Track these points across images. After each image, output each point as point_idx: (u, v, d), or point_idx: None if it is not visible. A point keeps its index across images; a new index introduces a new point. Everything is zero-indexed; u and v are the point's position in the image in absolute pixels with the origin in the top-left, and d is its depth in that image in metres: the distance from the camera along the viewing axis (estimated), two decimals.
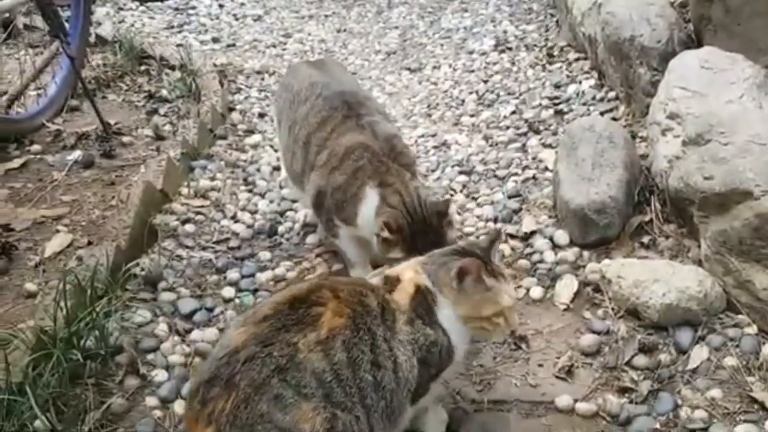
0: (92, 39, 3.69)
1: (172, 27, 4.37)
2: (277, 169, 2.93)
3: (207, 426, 1.32)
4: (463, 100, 3.49)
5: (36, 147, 2.88)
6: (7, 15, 2.98)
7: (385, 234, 1.95)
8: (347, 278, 1.61)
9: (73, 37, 3.18)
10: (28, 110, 3.09)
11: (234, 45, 4.18)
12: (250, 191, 2.80)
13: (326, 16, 4.65)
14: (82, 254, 2.20)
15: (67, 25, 3.10)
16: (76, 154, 2.81)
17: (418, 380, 1.51)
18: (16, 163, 2.76)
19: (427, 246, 1.77)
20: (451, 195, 2.74)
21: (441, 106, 3.49)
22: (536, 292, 2.17)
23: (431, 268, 1.57)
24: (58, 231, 2.36)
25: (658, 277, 2.03)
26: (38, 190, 2.60)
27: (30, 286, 2.08)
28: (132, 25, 4.25)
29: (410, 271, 1.58)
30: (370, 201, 2.06)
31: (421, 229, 1.97)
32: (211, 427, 1.32)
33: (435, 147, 3.12)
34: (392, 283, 1.56)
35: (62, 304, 1.82)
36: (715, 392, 1.79)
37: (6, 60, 3.39)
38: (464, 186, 2.77)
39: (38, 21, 3.37)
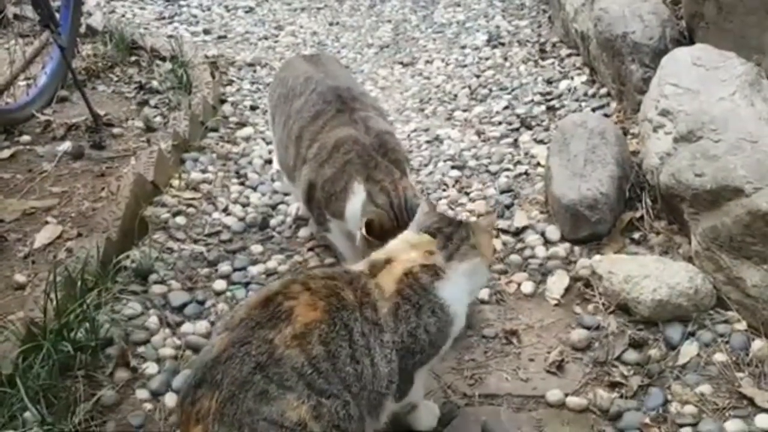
0: (83, 29, 3.66)
1: (163, 18, 4.34)
2: (269, 162, 2.92)
3: (196, 425, 1.34)
4: (456, 95, 3.49)
5: (25, 138, 2.86)
6: None
7: (366, 234, 1.94)
8: (323, 270, 1.63)
9: (63, 27, 3.15)
10: (17, 101, 3.06)
11: (225, 37, 4.16)
12: (241, 184, 2.78)
13: (318, 8, 4.62)
14: (72, 246, 2.19)
15: (57, 15, 3.06)
16: (66, 145, 2.80)
17: (404, 368, 1.52)
18: (5, 153, 2.74)
19: None
20: (444, 190, 2.75)
21: (433, 101, 3.49)
22: (527, 287, 2.18)
23: (446, 242, 1.62)
24: (47, 222, 2.35)
25: (648, 273, 2.04)
26: (27, 181, 2.58)
27: (19, 278, 2.07)
28: (123, 16, 4.22)
29: (410, 253, 1.60)
30: (357, 197, 2.06)
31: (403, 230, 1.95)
32: (199, 425, 1.33)
33: (427, 142, 3.11)
34: (378, 267, 1.57)
35: (52, 295, 1.81)
36: (705, 388, 1.81)
37: None
38: (456, 181, 2.77)
39: (28, 11, 3.33)
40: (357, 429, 1.42)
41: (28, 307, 1.86)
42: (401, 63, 3.92)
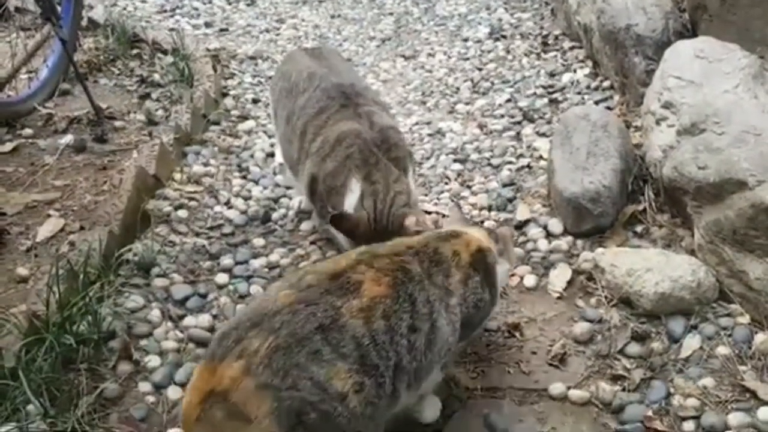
0: (84, 22, 3.65)
1: (165, 11, 4.32)
2: (271, 155, 2.92)
3: (238, 359, 1.36)
4: (458, 88, 3.48)
5: (27, 131, 2.85)
6: None
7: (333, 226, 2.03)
8: (388, 244, 1.69)
9: (65, 20, 3.14)
10: (19, 94, 3.05)
11: (227, 30, 4.14)
12: (243, 177, 2.78)
13: (320, 1, 4.61)
14: (75, 239, 2.18)
15: (59, 8, 3.05)
16: (68, 138, 2.79)
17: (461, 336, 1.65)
18: (7, 147, 2.73)
19: None
20: (446, 183, 2.75)
21: (435, 94, 3.48)
22: (530, 280, 2.17)
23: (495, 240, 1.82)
24: (49, 216, 2.34)
25: (651, 267, 2.04)
26: (30, 175, 2.58)
27: (22, 271, 2.07)
28: (124, 9, 4.21)
29: (475, 233, 1.79)
30: (354, 194, 2.08)
31: (380, 235, 1.95)
32: (241, 360, 1.36)
33: (429, 135, 3.11)
34: (450, 235, 1.74)
35: (55, 288, 1.81)
36: (708, 381, 1.81)
37: None
38: (459, 174, 2.76)
39: (30, 3, 3.32)
40: (387, 406, 1.48)
41: (31, 300, 1.86)
42: (403, 56, 3.91)
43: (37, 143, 2.77)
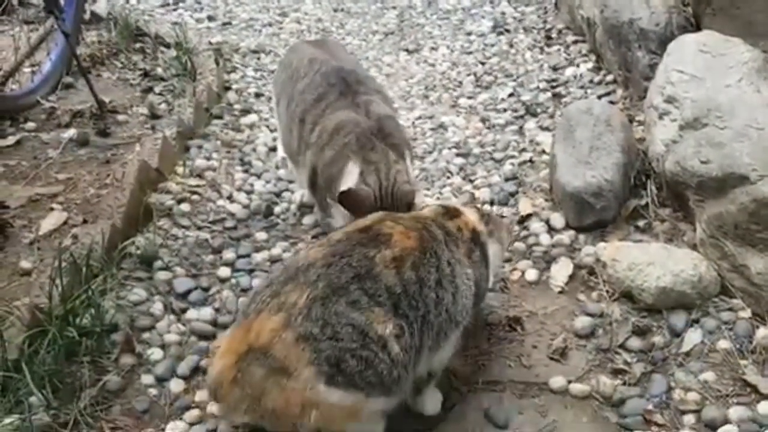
0: (87, 16, 3.65)
1: (167, 4, 4.32)
2: (273, 149, 2.92)
3: (276, 313, 1.40)
4: (461, 82, 3.47)
5: (30, 124, 2.85)
6: None
7: (340, 204, 1.99)
8: (406, 213, 1.79)
9: (67, 13, 3.14)
10: (22, 87, 3.06)
11: (230, 23, 4.14)
12: (246, 171, 2.78)
13: None
14: (78, 232, 2.19)
15: (62, 1, 3.05)
16: (71, 132, 2.79)
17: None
18: (10, 140, 2.73)
19: None
20: (448, 177, 2.75)
21: (438, 88, 3.48)
22: (531, 274, 2.17)
23: (486, 221, 1.85)
24: (52, 209, 2.34)
25: (652, 261, 2.04)
26: (33, 168, 2.58)
27: (25, 264, 2.07)
28: (127, 2, 4.21)
29: (469, 211, 1.83)
30: (351, 176, 2.07)
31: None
32: (280, 314, 1.40)
33: (432, 129, 3.11)
34: (451, 213, 1.78)
35: (58, 281, 1.82)
36: (708, 375, 1.81)
37: (0, 36, 3.36)
38: (461, 168, 2.77)
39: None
40: (415, 362, 1.52)
41: (34, 293, 1.86)
42: (406, 50, 3.90)
43: (40, 137, 2.78)
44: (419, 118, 3.22)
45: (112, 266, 2.04)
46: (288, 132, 2.38)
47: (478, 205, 2.14)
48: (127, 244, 2.17)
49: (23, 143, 2.73)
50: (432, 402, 1.73)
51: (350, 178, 2.06)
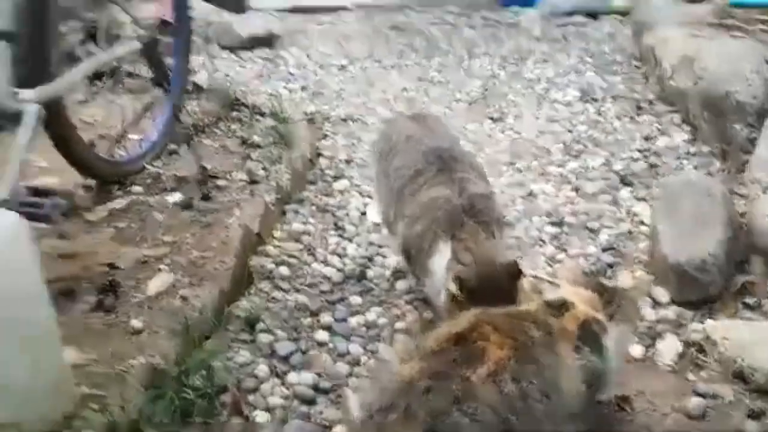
0: (189, 86, 3.86)
1: (262, 76, 4.54)
2: (365, 213, 2.98)
3: None
4: (549, 150, 3.48)
5: (137, 188, 3.00)
6: (115, 63, 3.16)
7: (455, 291, 1.96)
8: (504, 310, 1.71)
9: (174, 84, 3.34)
10: (129, 153, 3.24)
11: (320, 93, 4.30)
12: (339, 235, 2.85)
13: (407, 66, 4.73)
14: (186, 294, 2.27)
15: (170, 74, 3.25)
16: (176, 196, 2.93)
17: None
18: (119, 203, 2.88)
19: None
20: (540, 246, 2.73)
21: (526, 156, 3.49)
22: (637, 350, 2.12)
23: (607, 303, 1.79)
24: (160, 270, 2.44)
25: (764, 340, 1.96)
26: (140, 230, 2.70)
27: (136, 323, 2.15)
28: (226, 75, 4.44)
29: (580, 302, 1.74)
30: (442, 255, 2.09)
31: (490, 289, 1.94)
32: None
33: (521, 197, 3.11)
34: (557, 307, 1.71)
35: (173, 341, 1.88)
36: None
37: (109, 105, 3.58)
38: (554, 237, 2.75)
39: (140, 68, 3.54)
40: None
41: (148, 353, 1.93)
42: (491, 118, 3.95)
43: (146, 200, 2.92)
44: (508, 185, 3.23)
45: (220, 328, 2.11)
46: (385, 203, 2.46)
47: (599, 279, 2.10)
48: (233, 306, 2.23)
49: (131, 206, 2.87)
50: None
51: (442, 257, 2.09)
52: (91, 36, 2.93)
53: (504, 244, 2.22)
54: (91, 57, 2.85)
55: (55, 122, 2.59)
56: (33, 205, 2.21)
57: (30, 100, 2.46)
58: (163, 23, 3.15)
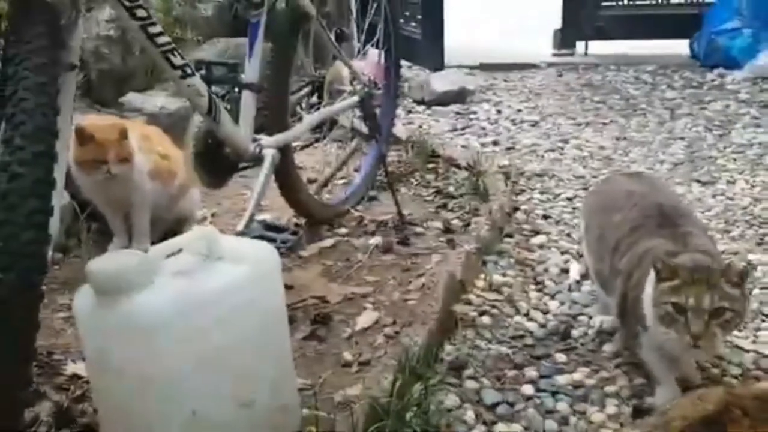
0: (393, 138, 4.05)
1: (455, 129, 4.65)
2: (565, 271, 2.90)
3: None
4: (766, 219, 3.21)
5: (343, 230, 3.17)
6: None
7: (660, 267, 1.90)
8: (756, 389, 1.56)
9: (380, 135, 3.52)
10: (336, 197, 3.44)
11: (513, 148, 4.32)
12: (539, 290, 2.78)
13: (604, 123, 4.64)
14: (391, 332, 2.32)
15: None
16: (377, 239, 3.05)
17: None
18: (328, 242, 3.05)
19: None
20: (763, 320, 2.50)
21: (740, 223, 3.25)
22: None
23: None
24: (365, 308, 2.53)
25: None
26: (346, 269, 2.84)
27: (347, 356, 2.23)
28: (420, 127, 4.61)
29: None
30: (650, 283, 1.98)
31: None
32: None
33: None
34: None
35: (390, 377, 1.92)
36: None
37: (314, 151, 3.84)
38: None
39: (344, 121, 3.77)
40: None
41: (365, 386, 1.98)
42: (699, 181, 3.74)
43: (351, 241, 3.07)
44: (722, 252, 3.01)
45: (431, 369, 2.12)
46: (599, 260, 2.38)
47: None
48: (440, 350, 2.24)
49: (338, 246, 3.03)
50: None
51: (650, 285, 1.98)
52: (316, 90, 3.19)
53: None
54: (320, 109, 3.11)
55: (284, 166, 2.83)
56: (266, 239, 2.41)
57: (269, 146, 2.72)
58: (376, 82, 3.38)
